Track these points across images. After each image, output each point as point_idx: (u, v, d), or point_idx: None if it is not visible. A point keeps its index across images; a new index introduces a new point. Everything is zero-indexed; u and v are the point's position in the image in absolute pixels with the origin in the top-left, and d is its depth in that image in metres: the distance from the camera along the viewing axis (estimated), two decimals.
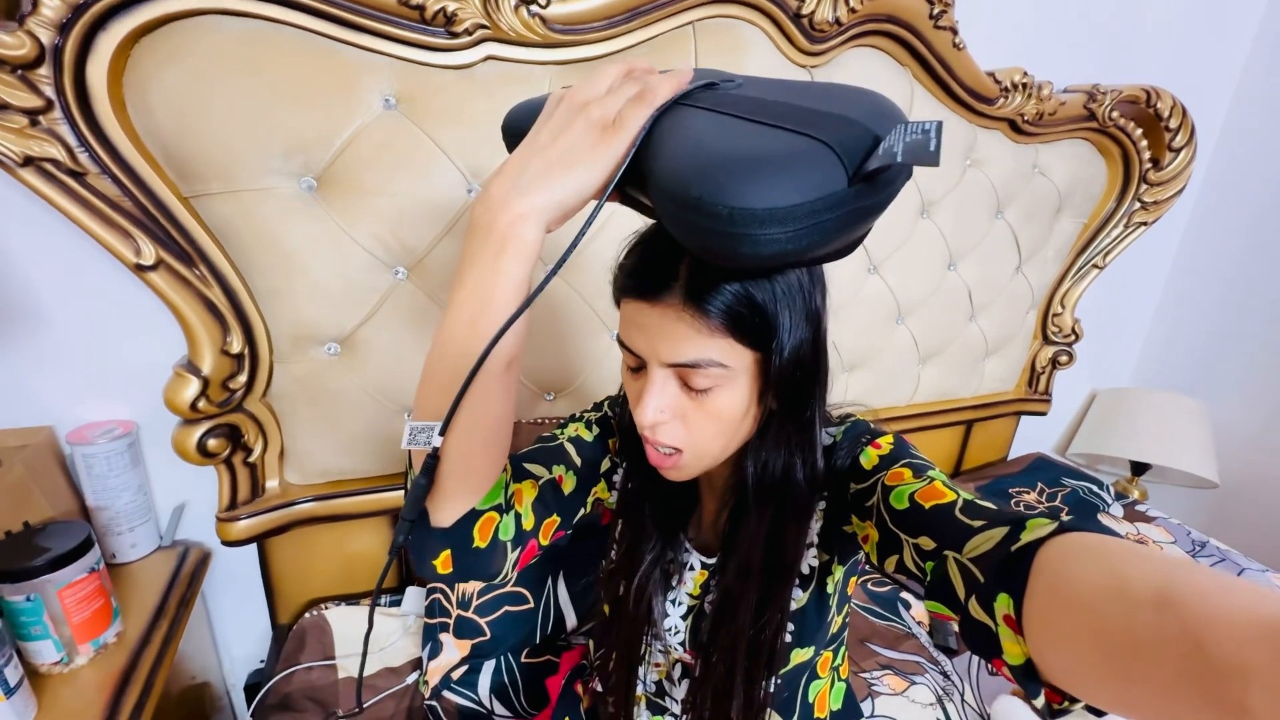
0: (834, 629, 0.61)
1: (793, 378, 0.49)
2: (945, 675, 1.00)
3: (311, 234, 0.85)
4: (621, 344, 0.51)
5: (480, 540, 0.50)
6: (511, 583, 0.96)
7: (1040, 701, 0.35)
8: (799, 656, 0.59)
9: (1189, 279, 1.82)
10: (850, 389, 1.40)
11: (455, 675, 0.91)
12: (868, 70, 1.12)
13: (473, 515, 0.50)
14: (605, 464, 0.65)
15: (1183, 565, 0.30)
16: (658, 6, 0.93)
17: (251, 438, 0.94)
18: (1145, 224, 1.55)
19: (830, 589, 0.58)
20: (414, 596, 1.05)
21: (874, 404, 1.47)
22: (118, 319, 0.86)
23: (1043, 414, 1.74)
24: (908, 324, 1.41)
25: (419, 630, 0.99)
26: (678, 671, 0.65)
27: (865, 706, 0.91)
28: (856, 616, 1.11)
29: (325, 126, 0.81)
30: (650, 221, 0.51)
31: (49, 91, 0.69)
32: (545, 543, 0.58)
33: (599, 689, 0.71)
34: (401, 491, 0.76)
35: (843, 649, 0.67)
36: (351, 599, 1.07)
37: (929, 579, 0.42)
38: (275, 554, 1.03)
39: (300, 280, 0.87)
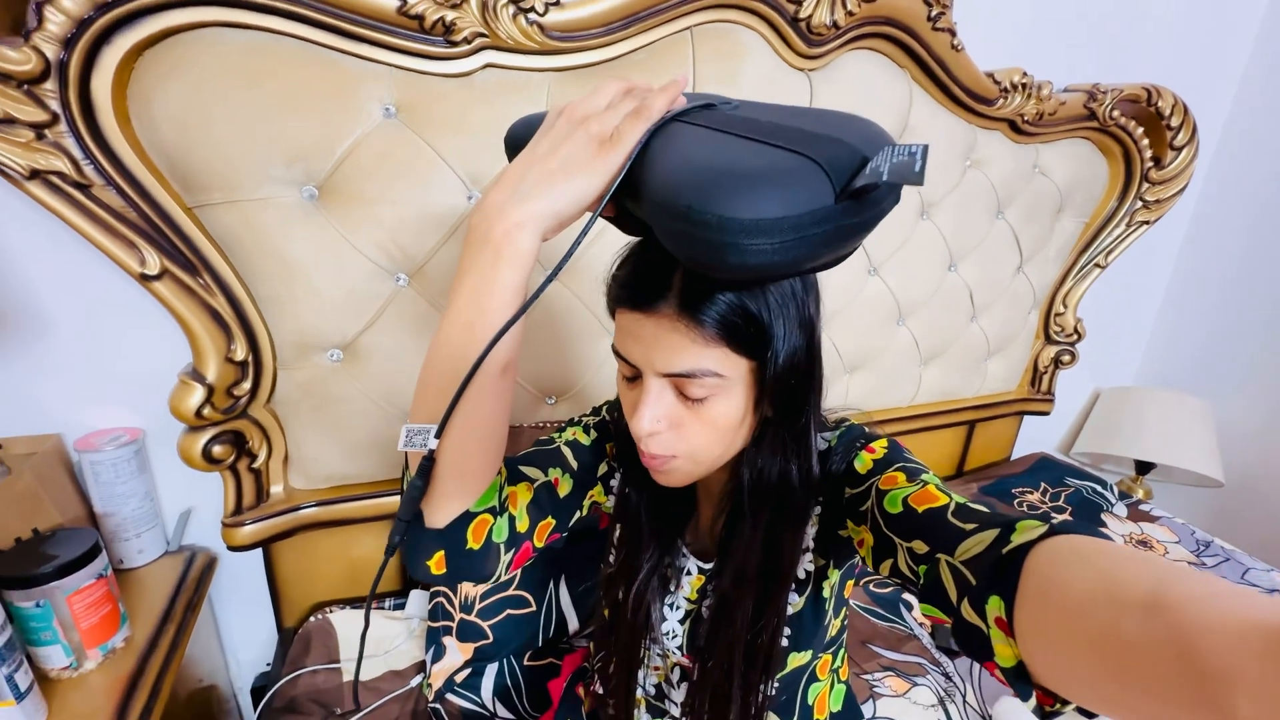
0: (832, 632, 0.62)
1: (788, 386, 0.49)
2: (947, 677, 1.00)
3: (313, 242, 0.86)
4: (617, 353, 0.52)
5: (474, 542, 0.51)
6: (514, 585, 0.97)
7: (1031, 703, 0.35)
8: (796, 660, 0.59)
9: (1192, 277, 1.81)
10: (851, 390, 1.40)
11: (459, 678, 0.92)
12: (866, 73, 1.13)
13: (467, 517, 0.51)
14: (602, 468, 0.66)
15: (1172, 569, 0.30)
16: (655, 12, 0.94)
17: (256, 444, 0.95)
18: (1147, 223, 1.54)
19: (826, 593, 0.58)
20: (417, 600, 1.06)
21: (876, 405, 1.47)
22: (124, 328, 0.88)
23: (1045, 414, 1.74)
24: (908, 325, 1.41)
25: (423, 633, 1.00)
26: (676, 675, 0.65)
27: (867, 708, 0.91)
28: (858, 618, 1.11)
29: (326, 135, 0.82)
30: None
31: (54, 105, 0.70)
32: (540, 545, 0.59)
33: (600, 692, 0.72)
34: None
35: (842, 651, 0.68)
36: (356, 603, 1.08)
37: (922, 582, 0.42)
38: (280, 558, 1.04)
39: (302, 288, 0.88)
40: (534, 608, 0.97)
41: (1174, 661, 0.26)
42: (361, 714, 0.87)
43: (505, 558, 0.54)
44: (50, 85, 0.69)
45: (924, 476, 0.49)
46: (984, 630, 0.36)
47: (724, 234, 0.35)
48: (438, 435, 0.45)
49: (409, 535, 0.50)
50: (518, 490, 0.57)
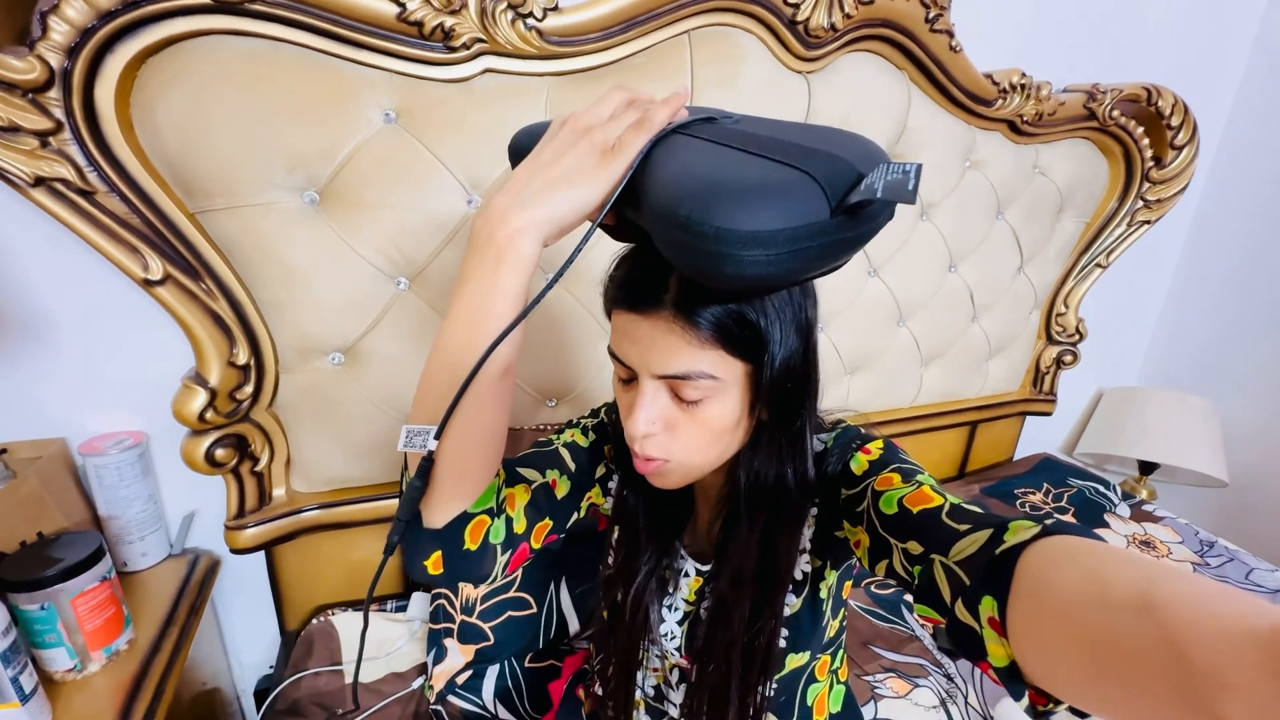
0: (830, 633, 0.62)
1: (783, 389, 0.49)
2: (949, 678, 1.00)
3: (314, 247, 0.87)
4: (613, 355, 0.52)
5: (471, 542, 0.52)
6: (515, 587, 0.97)
7: (1024, 703, 0.35)
8: (795, 661, 0.59)
9: (1194, 276, 1.81)
10: (853, 392, 1.40)
11: (460, 680, 0.92)
12: (864, 75, 1.13)
13: (464, 518, 0.51)
14: (600, 470, 0.66)
15: (1162, 570, 0.30)
16: (653, 16, 0.94)
17: (258, 447, 0.96)
18: (1148, 222, 1.54)
19: (824, 594, 0.58)
20: (419, 602, 1.06)
21: (877, 406, 1.47)
22: (127, 333, 0.88)
23: (1048, 414, 1.74)
24: (909, 326, 1.41)
25: (424, 636, 1.00)
26: (675, 676, 0.65)
27: (868, 710, 0.91)
28: (859, 619, 1.11)
29: (326, 141, 0.83)
30: None
31: (58, 113, 0.71)
32: (537, 546, 0.59)
33: (599, 693, 0.72)
34: None
35: (841, 652, 0.68)
36: (357, 605, 1.08)
37: (917, 583, 0.42)
38: (283, 561, 1.04)
39: (304, 292, 0.89)
40: (535, 609, 0.98)
41: (1163, 662, 0.26)
42: (363, 716, 0.87)
43: (502, 559, 0.55)
44: (54, 93, 0.70)
45: (919, 478, 0.49)
46: (977, 630, 0.37)
47: (721, 244, 0.36)
48: (437, 436, 0.46)
49: (407, 535, 0.50)
50: (515, 492, 0.57)
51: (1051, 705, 0.35)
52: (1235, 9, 1.53)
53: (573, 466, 0.63)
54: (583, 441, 0.66)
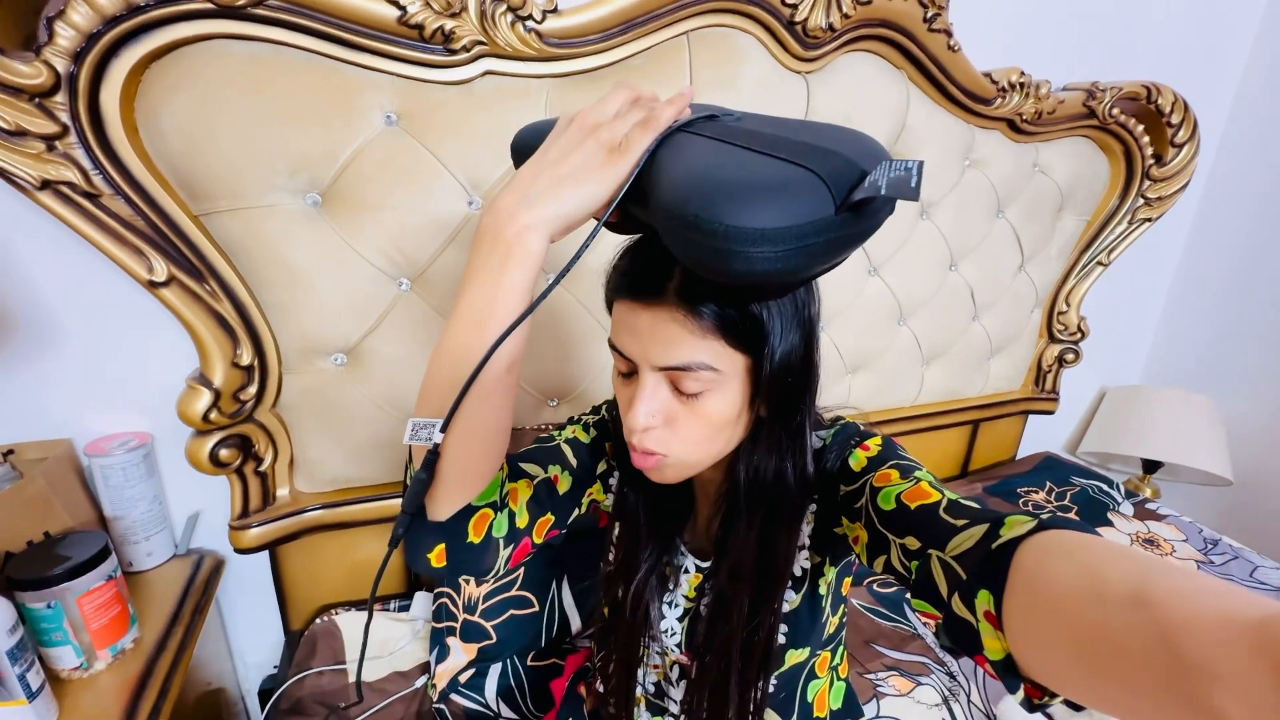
0: (829, 630, 0.62)
1: (783, 384, 0.50)
2: (951, 676, 1.00)
3: (317, 248, 0.87)
4: (613, 348, 0.52)
5: (474, 536, 0.52)
6: (517, 585, 0.98)
7: (1020, 696, 0.35)
8: (794, 657, 0.60)
9: (1196, 273, 1.80)
10: (854, 391, 1.40)
11: (462, 679, 0.92)
12: (863, 75, 1.13)
13: (468, 511, 0.51)
14: (601, 466, 0.67)
15: (1157, 564, 0.30)
16: (653, 18, 0.95)
17: (262, 447, 0.96)
18: (1150, 220, 1.54)
19: (823, 590, 0.59)
20: (422, 602, 1.07)
21: (878, 405, 1.47)
22: (132, 334, 0.89)
23: (1050, 413, 1.73)
24: (910, 325, 1.41)
25: (427, 635, 1.01)
26: (675, 673, 0.65)
27: (870, 707, 0.91)
28: (861, 618, 1.11)
29: (328, 144, 0.84)
30: None
31: (64, 118, 0.71)
32: (539, 540, 0.59)
33: (601, 690, 0.72)
34: None
35: (841, 649, 0.68)
36: (361, 604, 1.09)
37: (914, 578, 0.43)
38: (287, 561, 1.05)
39: (306, 293, 0.89)
40: (537, 608, 0.98)
41: (1157, 656, 0.26)
42: (366, 715, 0.88)
43: (504, 553, 0.55)
44: (60, 98, 0.71)
45: (917, 474, 0.49)
46: (973, 624, 0.37)
47: (729, 241, 0.36)
48: (444, 429, 0.46)
49: (411, 528, 0.51)
50: (518, 487, 0.58)
51: (1047, 698, 0.35)
52: (1235, 9, 1.53)
53: (574, 462, 0.63)
54: (584, 438, 0.66)
